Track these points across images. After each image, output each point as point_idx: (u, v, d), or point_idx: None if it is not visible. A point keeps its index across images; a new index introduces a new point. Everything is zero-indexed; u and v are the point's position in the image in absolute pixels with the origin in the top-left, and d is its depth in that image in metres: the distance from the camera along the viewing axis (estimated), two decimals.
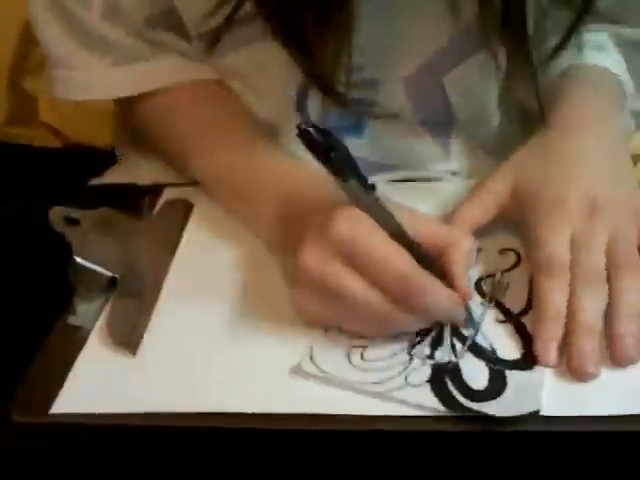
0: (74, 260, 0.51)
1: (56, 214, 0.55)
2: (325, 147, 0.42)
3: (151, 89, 0.64)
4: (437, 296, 0.45)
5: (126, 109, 0.68)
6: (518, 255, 0.53)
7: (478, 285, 0.51)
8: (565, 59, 0.61)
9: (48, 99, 0.80)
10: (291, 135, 0.62)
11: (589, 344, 0.45)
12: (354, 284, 0.44)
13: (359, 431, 0.42)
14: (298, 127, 0.43)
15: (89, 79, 0.64)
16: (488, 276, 0.51)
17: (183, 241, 0.58)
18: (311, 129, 0.42)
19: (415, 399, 0.42)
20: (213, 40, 0.59)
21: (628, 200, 0.52)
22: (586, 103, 0.58)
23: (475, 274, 0.51)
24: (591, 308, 0.46)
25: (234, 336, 0.48)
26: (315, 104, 0.62)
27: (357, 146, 0.64)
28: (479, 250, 0.52)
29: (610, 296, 0.47)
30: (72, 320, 0.49)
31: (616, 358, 0.44)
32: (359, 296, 0.44)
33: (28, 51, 0.81)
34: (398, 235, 0.45)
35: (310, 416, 0.42)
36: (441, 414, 0.41)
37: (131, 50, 0.63)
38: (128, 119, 0.70)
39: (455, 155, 0.65)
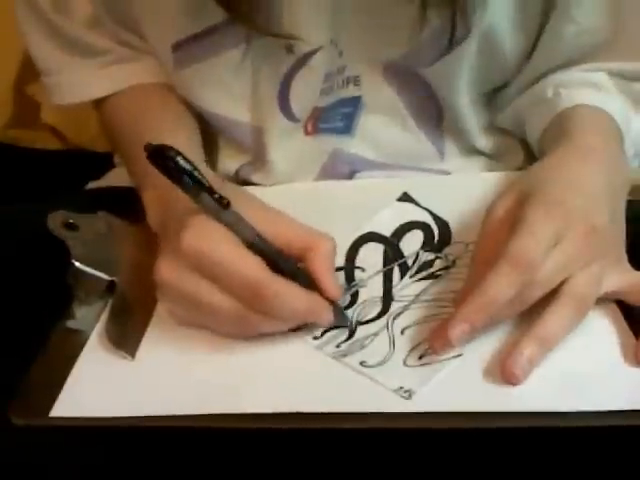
0: (73, 265, 0.51)
1: (55, 219, 0.54)
2: (174, 167, 0.44)
3: (127, 86, 0.65)
4: (288, 298, 0.45)
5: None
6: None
7: None
8: (564, 100, 0.60)
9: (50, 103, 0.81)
10: (275, 137, 0.63)
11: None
12: (208, 292, 0.45)
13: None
14: (145, 148, 0.44)
15: (74, 81, 0.66)
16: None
17: None
18: (158, 149, 0.44)
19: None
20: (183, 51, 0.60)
21: (617, 239, 0.50)
22: (584, 141, 0.55)
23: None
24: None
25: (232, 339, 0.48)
26: (298, 102, 0.62)
27: (349, 144, 0.65)
28: None
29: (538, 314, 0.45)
30: (71, 324, 0.50)
31: (505, 369, 0.44)
32: (214, 303, 0.45)
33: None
34: (256, 244, 0.46)
35: (310, 415, 0.42)
36: None
37: (111, 54, 0.64)
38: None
39: (448, 155, 0.65)
